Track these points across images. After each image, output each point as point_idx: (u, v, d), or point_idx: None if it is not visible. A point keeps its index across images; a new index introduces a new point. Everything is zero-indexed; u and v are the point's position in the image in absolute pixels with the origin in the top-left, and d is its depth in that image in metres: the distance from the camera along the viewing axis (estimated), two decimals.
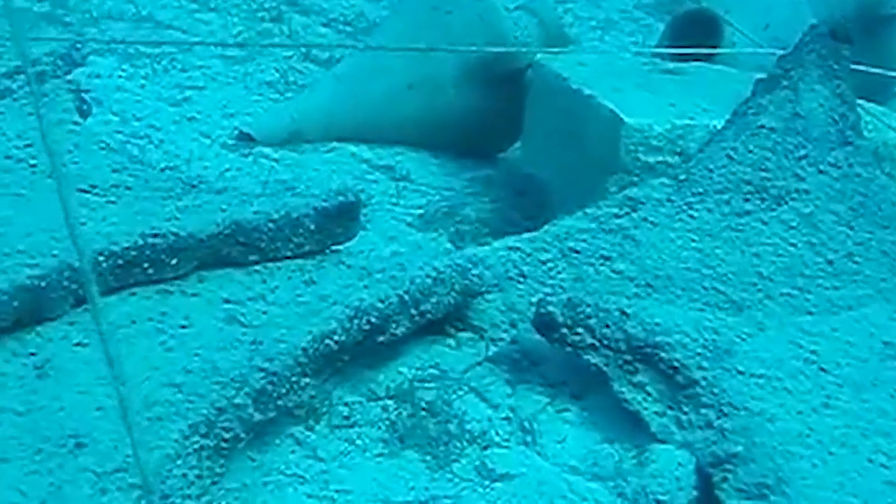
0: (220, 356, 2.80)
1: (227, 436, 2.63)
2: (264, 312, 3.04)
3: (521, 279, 3.58)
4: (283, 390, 2.80)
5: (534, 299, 3.52)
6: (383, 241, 4.09)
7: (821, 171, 3.93)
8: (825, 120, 3.99)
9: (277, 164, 4.64)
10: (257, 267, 3.24)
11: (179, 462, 2.47)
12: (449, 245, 4.14)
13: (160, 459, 2.43)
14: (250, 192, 4.14)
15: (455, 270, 3.36)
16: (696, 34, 4.97)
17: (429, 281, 3.28)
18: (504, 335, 3.48)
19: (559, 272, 3.61)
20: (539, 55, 4.67)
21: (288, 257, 3.31)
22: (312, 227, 3.34)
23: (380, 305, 3.13)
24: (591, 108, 4.17)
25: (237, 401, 2.69)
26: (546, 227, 3.73)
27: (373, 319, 3.10)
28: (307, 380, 2.88)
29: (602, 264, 3.65)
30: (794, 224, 3.81)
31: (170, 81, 5.12)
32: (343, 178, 4.58)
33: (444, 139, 4.91)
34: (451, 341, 3.43)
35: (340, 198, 3.40)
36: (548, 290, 3.55)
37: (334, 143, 4.84)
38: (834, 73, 4.07)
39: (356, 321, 3.06)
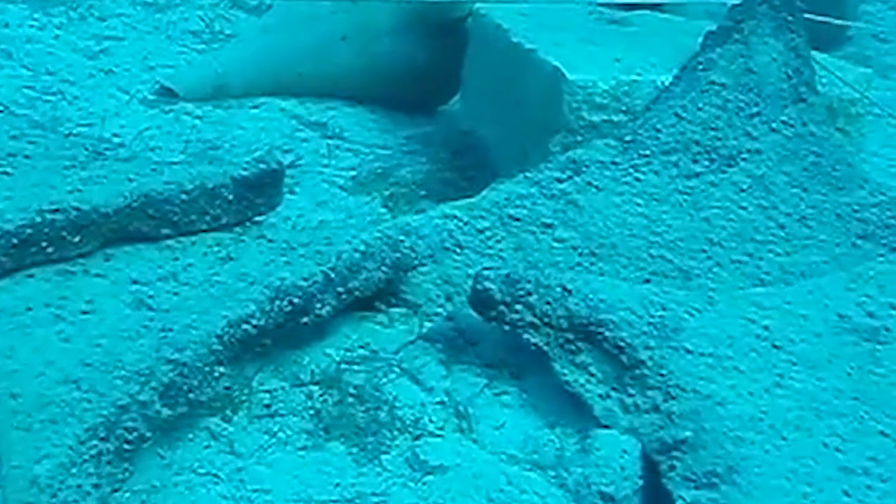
0: (125, 346, 2.56)
1: (130, 437, 2.40)
2: (175, 294, 2.80)
3: (458, 250, 3.36)
4: (195, 382, 2.57)
5: (471, 271, 3.30)
6: (312, 206, 3.84)
7: (773, 130, 3.73)
8: (778, 75, 3.78)
9: (201, 121, 4.36)
10: (169, 242, 2.98)
11: (74, 471, 2.23)
12: (383, 209, 3.90)
13: (52, 470, 2.19)
14: (164, 158, 3.89)
15: (385, 243, 3.13)
16: None
17: (357, 256, 3.05)
18: (439, 310, 3.27)
19: (498, 241, 3.40)
20: (478, 3, 4.41)
21: (204, 231, 3.06)
22: (231, 197, 3.09)
23: (303, 284, 2.90)
24: (532, 63, 3.93)
25: (142, 397, 2.45)
26: (484, 192, 3.51)
27: (295, 300, 2.87)
28: (222, 369, 2.65)
29: (543, 232, 3.44)
30: (745, 186, 3.62)
31: (86, 31, 4.81)
32: (271, 137, 4.31)
33: (379, 92, 4.66)
34: (382, 318, 3.21)
35: (262, 165, 3.14)
36: (486, 260, 3.35)
37: (262, 98, 4.56)
38: (787, 25, 3.86)
39: (277, 302, 2.83)
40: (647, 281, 3.43)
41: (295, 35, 4.62)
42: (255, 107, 4.52)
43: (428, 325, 3.21)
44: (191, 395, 2.56)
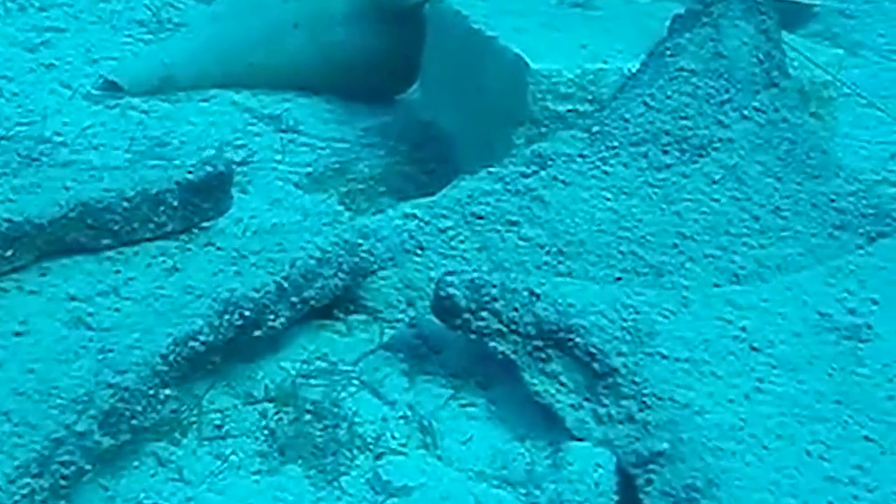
0: (61, 371, 2.37)
1: (66, 471, 2.22)
2: (117, 310, 2.61)
3: (419, 251, 3.19)
4: (138, 408, 2.39)
5: (433, 274, 3.15)
6: (265, 206, 3.66)
7: (745, 118, 3.58)
8: (749, 60, 3.63)
9: (147, 116, 4.15)
10: (110, 254, 2.80)
11: None
12: (340, 207, 3.72)
13: None
14: (108, 157, 3.70)
15: (342, 248, 2.96)
16: None
17: (312, 262, 2.88)
18: (401, 316, 3.11)
19: (461, 241, 3.24)
20: None
21: (147, 239, 2.87)
22: (176, 203, 2.90)
23: (254, 295, 2.72)
24: (493, 51, 3.75)
25: (79, 427, 2.27)
26: (445, 190, 3.34)
27: (246, 312, 2.69)
28: (167, 392, 2.47)
29: (508, 231, 3.28)
30: (717, 177, 3.47)
31: (26, 23, 4.59)
32: (222, 132, 4.12)
33: (334, 82, 4.47)
34: (341, 326, 3.05)
35: (209, 168, 2.96)
36: (449, 262, 3.19)
37: (213, 90, 4.36)
38: (758, 6, 3.70)
39: (227, 316, 2.65)
40: (618, 279, 3.29)
41: (245, 23, 4.43)
42: (205, 100, 4.32)
43: (389, 332, 3.05)
44: (134, 422, 2.38)
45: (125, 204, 2.81)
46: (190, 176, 2.91)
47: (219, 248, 2.87)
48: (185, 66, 4.37)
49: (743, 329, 2.94)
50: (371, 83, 4.49)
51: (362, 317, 3.09)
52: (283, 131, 4.20)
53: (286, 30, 4.40)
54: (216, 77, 4.38)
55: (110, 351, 2.44)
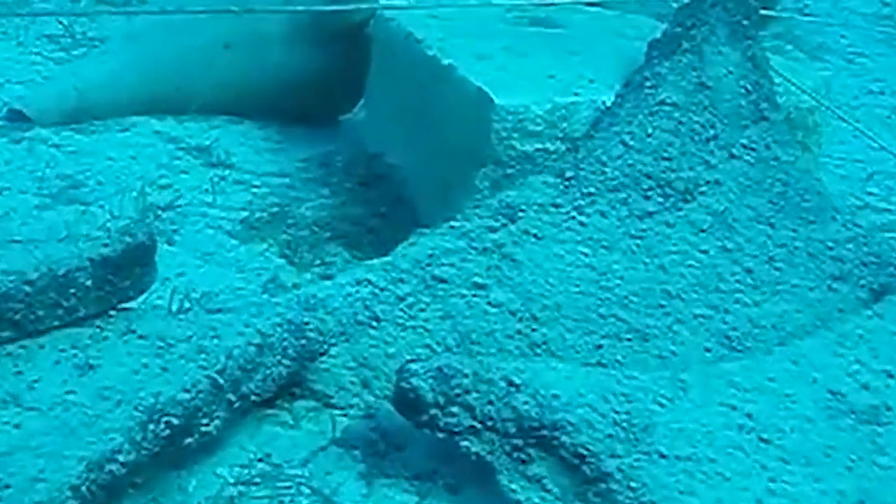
0: None
1: None
2: (17, 427, 2.17)
3: (374, 323, 2.79)
4: None
5: (391, 349, 2.77)
6: (194, 261, 3.22)
7: (733, 156, 3.22)
8: (736, 90, 3.28)
9: (59, 151, 3.69)
10: (10, 349, 2.35)
11: None
12: (281, 261, 3.29)
13: None
14: (14, 201, 3.24)
15: (287, 329, 2.54)
16: None
17: (252, 350, 2.47)
18: (355, 401, 2.71)
19: (422, 310, 2.84)
20: (381, 6, 3.80)
21: (55, 327, 2.43)
22: (89, 283, 2.46)
23: (184, 397, 2.31)
24: (451, 81, 3.33)
25: None
26: (402, 247, 2.93)
27: (175, 420, 2.27)
28: None
29: (475, 295, 2.89)
30: (704, 226, 3.11)
31: None
32: (145, 168, 3.66)
33: (269, 107, 4.02)
34: (285, 416, 2.64)
35: (127, 239, 2.51)
36: (408, 335, 2.79)
37: (132, 118, 3.90)
38: (743, 30, 3.34)
39: (152, 426, 2.23)
40: (599, 347, 2.92)
41: (170, 43, 3.96)
42: (125, 129, 3.86)
43: (342, 421, 2.64)
44: None
45: (27, 289, 2.36)
46: (105, 250, 2.47)
47: (140, 337, 2.44)
48: (101, 91, 3.90)
49: (749, 416, 2.57)
50: (311, 107, 4.06)
51: (310, 403, 2.68)
52: (214, 165, 3.76)
53: (216, 50, 3.95)
54: (137, 103, 3.92)
55: (7, 487, 2.00)
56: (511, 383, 2.47)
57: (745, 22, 3.34)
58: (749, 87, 3.28)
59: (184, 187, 3.58)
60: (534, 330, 2.88)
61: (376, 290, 2.82)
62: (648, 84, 3.23)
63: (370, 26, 3.85)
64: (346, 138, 3.99)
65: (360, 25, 3.88)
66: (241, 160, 3.81)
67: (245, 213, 3.48)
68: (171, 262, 3.14)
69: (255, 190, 3.64)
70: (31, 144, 3.69)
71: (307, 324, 2.59)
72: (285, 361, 2.53)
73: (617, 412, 2.48)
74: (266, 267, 3.24)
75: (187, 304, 2.91)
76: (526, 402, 2.45)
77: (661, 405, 2.54)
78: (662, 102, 3.21)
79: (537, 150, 3.26)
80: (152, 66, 3.96)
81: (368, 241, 3.42)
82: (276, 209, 3.52)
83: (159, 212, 3.43)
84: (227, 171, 3.72)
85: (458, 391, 2.45)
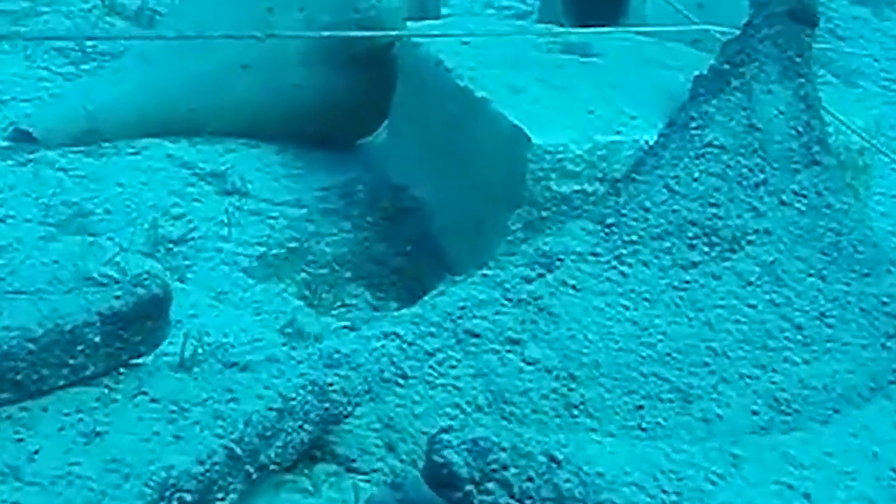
0: None
1: None
2: None
3: (401, 381, 2.60)
4: None
5: (419, 409, 2.58)
6: (209, 299, 3.03)
7: (783, 203, 3.04)
8: (786, 132, 3.09)
9: (66, 175, 3.49)
10: (10, 412, 2.16)
11: None
12: (300, 302, 3.10)
13: None
14: (17, 231, 3.05)
15: (310, 392, 2.35)
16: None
17: (272, 416, 2.27)
18: (379, 465, 2.51)
19: (452, 367, 2.65)
20: (408, 31, 3.61)
21: (60, 387, 2.24)
22: (97, 340, 2.26)
23: (199, 469, 2.11)
24: (484, 116, 3.14)
25: None
26: (430, 297, 2.75)
27: (188, 497, 2.07)
28: None
29: (510, 351, 2.70)
30: (752, 278, 2.92)
31: None
32: (157, 196, 3.47)
33: (287, 131, 3.84)
34: (304, 482, 2.44)
35: (140, 291, 2.32)
36: (437, 394, 2.60)
37: (144, 141, 3.71)
38: (796, 67, 3.15)
39: None
40: (640, 407, 2.73)
41: (185, 64, 3.77)
42: (136, 152, 3.67)
43: (366, 488, 2.45)
44: None
45: (30, 346, 2.17)
46: (116, 303, 2.27)
47: (152, 400, 2.25)
48: (111, 112, 3.71)
49: (807, 497, 2.38)
50: (330, 131, 3.88)
51: (331, 467, 2.49)
52: (228, 193, 3.57)
53: (233, 71, 3.76)
54: (149, 125, 3.73)
55: None
56: (552, 458, 2.27)
57: (797, 59, 3.16)
58: (800, 128, 3.11)
59: (197, 217, 3.39)
60: (571, 389, 2.69)
61: (404, 345, 2.63)
62: (694, 124, 3.05)
63: (396, 49, 3.66)
64: (367, 166, 3.80)
65: (384, 48, 3.69)
66: (258, 188, 3.62)
67: (262, 249, 3.30)
68: (184, 303, 2.95)
69: (271, 222, 3.44)
70: (37, 168, 3.50)
71: (331, 384, 2.40)
72: (307, 426, 2.34)
73: (666, 491, 2.29)
74: (284, 310, 3.05)
75: (201, 352, 2.72)
76: (568, 480, 2.25)
77: (714, 483, 2.35)
78: (709, 144, 3.03)
79: (575, 191, 3.08)
80: (166, 85, 3.78)
81: (391, 283, 3.23)
82: (294, 244, 3.33)
83: (171, 245, 3.24)
84: (242, 200, 3.53)
85: (494, 466, 2.25)
